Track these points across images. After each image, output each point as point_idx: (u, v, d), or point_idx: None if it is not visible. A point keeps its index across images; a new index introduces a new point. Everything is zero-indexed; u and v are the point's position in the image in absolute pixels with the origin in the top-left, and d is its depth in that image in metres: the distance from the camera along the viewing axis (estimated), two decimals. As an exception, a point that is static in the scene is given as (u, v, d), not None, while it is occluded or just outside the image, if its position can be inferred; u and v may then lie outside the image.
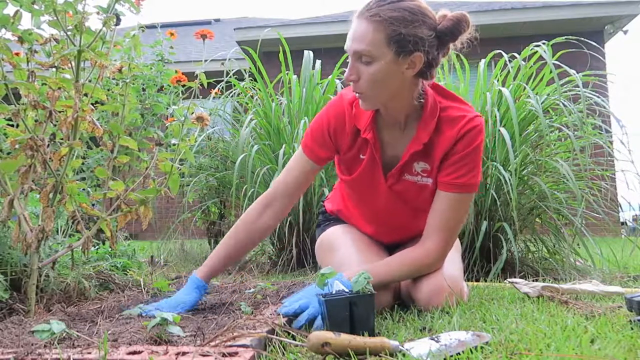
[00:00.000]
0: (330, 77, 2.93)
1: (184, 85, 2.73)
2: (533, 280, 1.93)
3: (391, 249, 1.58)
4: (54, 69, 1.41)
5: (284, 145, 2.60)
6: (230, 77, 3.14)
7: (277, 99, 2.95)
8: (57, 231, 1.77)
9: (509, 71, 2.60)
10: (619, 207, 2.65)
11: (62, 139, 1.42)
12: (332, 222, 1.66)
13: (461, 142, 1.32)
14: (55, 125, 1.38)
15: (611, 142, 2.59)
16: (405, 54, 1.22)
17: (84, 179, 2.65)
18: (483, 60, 2.66)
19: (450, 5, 8.10)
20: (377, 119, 1.38)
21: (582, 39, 2.86)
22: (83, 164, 2.59)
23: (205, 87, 1.71)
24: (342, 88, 2.93)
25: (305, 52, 3.03)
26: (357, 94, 1.30)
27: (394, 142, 1.39)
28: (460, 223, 1.39)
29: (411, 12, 1.22)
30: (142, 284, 1.69)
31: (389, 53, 1.22)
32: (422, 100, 1.34)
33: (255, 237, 1.45)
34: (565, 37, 2.71)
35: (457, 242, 1.60)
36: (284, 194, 1.44)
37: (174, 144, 1.53)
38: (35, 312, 1.31)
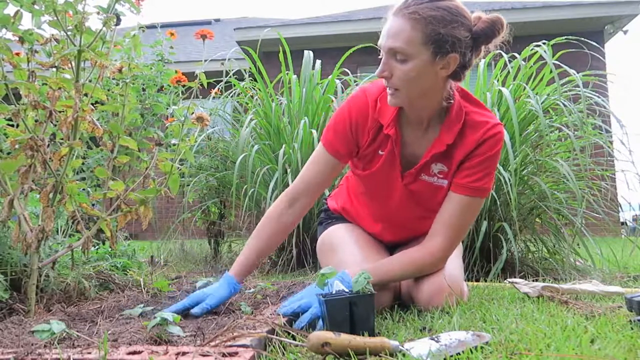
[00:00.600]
0: (330, 77, 2.93)
1: (184, 85, 2.73)
2: (533, 280, 1.93)
3: (392, 248, 1.58)
4: (54, 69, 1.41)
5: (284, 145, 2.60)
6: (230, 77, 3.14)
7: (277, 99, 2.95)
8: (57, 231, 1.77)
9: (509, 71, 2.60)
10: (619, 207, 2.65)
11: (62, 139, 1.43)
12: (335, 220, 1.66)
13: (482, 146, 1.32)
14: (55, 125, 1.39)
15: (611, 142, 2.59)
16: (442, 55, 1.22)
17: (84, 179, 2.65)
18: (483, 60, 2.66)
19: (450, 5, 8.08)
20: (400, 116, 1.38)
21: (582, 39, 2.86)
22: (83, 164, 2.59)
23: (205, 87, 1.71)
24: (342, 88, 2.93)
25: (305, 52, 3.02)
26: (388, 90, 1.29)
27: (415, 142, 1.39)
28: (467, 227, 1.39)
29: (450, 12, 1.21)
30: (142, 284, 1.69)
31: (425, 53, 1.21)
32: (451, 101, 1.34)
33: (280, 232, 1.43)
34: (565, 37, 2.71)
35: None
36: (304, 192, 1.43)
37: (174, 144, 1.53)
38: (35, 312, 1.31)
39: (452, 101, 1.34)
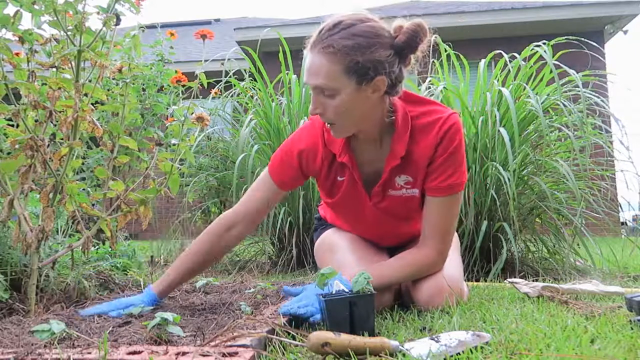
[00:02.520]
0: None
1: (184, 85, 2.73)
2: (533, 280, 1.93)
3: (391, 249, 1.58)
4: (54, 69, 1.41)
5: (284, 145, 2.60)
6: (230, 77, 3.14)
7: (277, 99, 2.95)
8: (57, 231, 1.77)
9: (509, 71, 2.60)
10: (619, 207, 2.65)
11: (62, 139, 1.43)
12: (328, 225, 1.66)
13: (442, 144, 1.29)
14: (55, 125, 1.39)
15: (611, 142, 2.59)
16: (367, 81, 1.18)
17: (84, 179, 2.65)
18: (483, 60, 2.66)
19: (450, 5, 8.10)
20: (350, 140, 1.36)
21: (582, 39, 2.86)
22: (83, 164, 2.59)
23: (205, 87, 1.71)
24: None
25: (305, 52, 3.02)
26: (327, 125, 1.29)
27: (372, 160, 1.37)
28: (454, 223, 1.39)
29: (365, 36, 1.17)
30: (142, 284, 1.70)
31: (349, 84, 1.18)
32: (392, 116, 1.31)
33: (218, 253, 1.44)
34: (566, 37, 2.71)
35: (457, 241, 1.60)
36: (245, 217, 1.41)
37: (174, 144, 1.53)
38: (35, 312, 1.31)
39: (393, 116, 1.31)
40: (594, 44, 3.20)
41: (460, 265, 1.51)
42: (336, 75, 1.17)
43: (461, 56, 2.69)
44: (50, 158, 1.34)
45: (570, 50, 2.74)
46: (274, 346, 0.94)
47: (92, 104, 1.42)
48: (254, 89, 3.18)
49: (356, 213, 1.45)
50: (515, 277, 1.93)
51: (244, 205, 1.43)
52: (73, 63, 1.36)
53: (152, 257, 2.94)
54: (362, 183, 1.37)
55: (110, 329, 1.06)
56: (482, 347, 0.87)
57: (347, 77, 1.18)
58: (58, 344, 0.92)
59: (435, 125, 1.30)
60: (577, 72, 2.43)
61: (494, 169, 2.25)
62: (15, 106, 1.33)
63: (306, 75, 1.24)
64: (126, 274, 1.84)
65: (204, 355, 0.82)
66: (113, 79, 2.40)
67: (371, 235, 1.55)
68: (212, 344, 0.89)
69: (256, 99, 3.09)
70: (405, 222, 1.46)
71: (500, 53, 2.65)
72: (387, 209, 1.41)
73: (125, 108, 1.55)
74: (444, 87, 2.52)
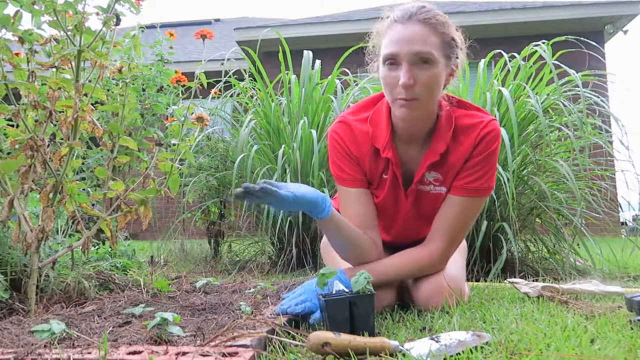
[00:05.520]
0: (330, 77, 2.93)
1: (183, 86, 2.73)
2: (533, 280, 1.93)
3: (395, 248, 1.57)
4: (54, 69, 1.41)
5: (283, 145, 2.60)
6: (230, 77, 3.14)
7: (277, 99, 2.95)
8: (57, 231, 1.77)
9: (508, 71, 2.60)
10: (619, 207, 2.65)
11: (62, 139, 1.43)
12: None
13: (479, 146, 1.31)
14: (55, 125, 1.39)
15: (611, 142, 2.59)
16: (450, 60, 1.25)
17: (84, 179, 2.65)
18: (483, 60, 2.66)
19: (450, 5, 8.10)
20: (393, 136, 1.35)
21: (582, 38, 2.86)
22: (83, 164, 2.59)
23: (205, 87, 1.71)
24: (341, 88, 2.92)
25: (305, 52, 3.02)
26: (403, 100, 1.22)
27: (410, 158, 1.37)
28: (467, 228, 1.38)
29: (447, 19, 1.26)
30: (142, 284, 1.69)
31: (442, 58, 1.23)
32: (439, 112, 1.33)
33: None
34: (565, 37, 2.71)
35: (464, 245, 1.59)
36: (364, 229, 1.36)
37: (174, 144, 1.53)
38: (35, 312, 1.31)
39: (440, 111, 1.33)
40: (594, 44, 3.20)
41: (463, 267, 1.51)
42: (436, 45, 1.22)
43: (461, 56, 2.68)
44: (50, 158, 1.34)
45: (570, 50, 2.74)
46: (274, 346, 0.94)
47: (92, 104, 1.42)
48: (254, 89, 3.18)
49: (391, 213, 1.44)
50: (515, 277, 1.93)
51: (355, 224, 1.34)
52: (73, 63, 1.36)
53: (152, 257, 2.94)
54: (401, 182, 1.37)
55: (110, 329, 1.06)
56: (482, 347, 0.87)
57: (442, 52, 1.23)
58: (58, 344, 0.92)
59: (477, 128, 1.32)
60: (577, 72, 2.43)
61: (493, 169, 2.24)
62: (15, 106, 1.33)
63: (406, 43, 1.21)
64: (126, 274, 1.84)
65: (204, 355, 0.82)
66: (113, 79, 2.40)
67: (389, 235, 1.53)
68: (212, 344, 0.89)
69: (256, 99, 3.09)
70: (426, 224, 1.43)
71: (500, 53, 2.65)
72: (418, 207, 1.40)
73: (125, 108, 1.55)
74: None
